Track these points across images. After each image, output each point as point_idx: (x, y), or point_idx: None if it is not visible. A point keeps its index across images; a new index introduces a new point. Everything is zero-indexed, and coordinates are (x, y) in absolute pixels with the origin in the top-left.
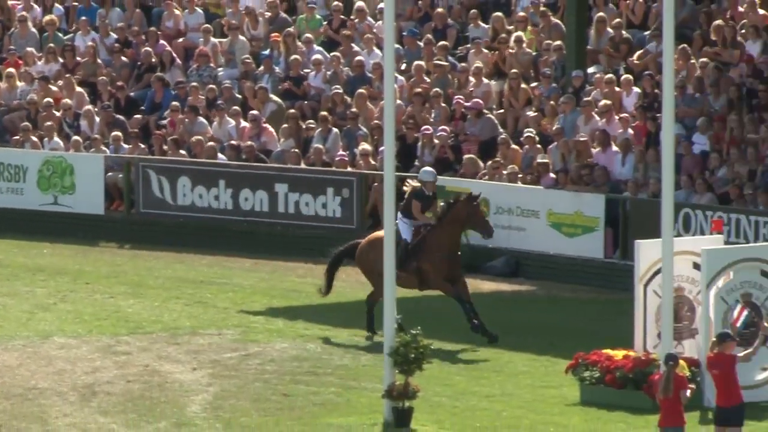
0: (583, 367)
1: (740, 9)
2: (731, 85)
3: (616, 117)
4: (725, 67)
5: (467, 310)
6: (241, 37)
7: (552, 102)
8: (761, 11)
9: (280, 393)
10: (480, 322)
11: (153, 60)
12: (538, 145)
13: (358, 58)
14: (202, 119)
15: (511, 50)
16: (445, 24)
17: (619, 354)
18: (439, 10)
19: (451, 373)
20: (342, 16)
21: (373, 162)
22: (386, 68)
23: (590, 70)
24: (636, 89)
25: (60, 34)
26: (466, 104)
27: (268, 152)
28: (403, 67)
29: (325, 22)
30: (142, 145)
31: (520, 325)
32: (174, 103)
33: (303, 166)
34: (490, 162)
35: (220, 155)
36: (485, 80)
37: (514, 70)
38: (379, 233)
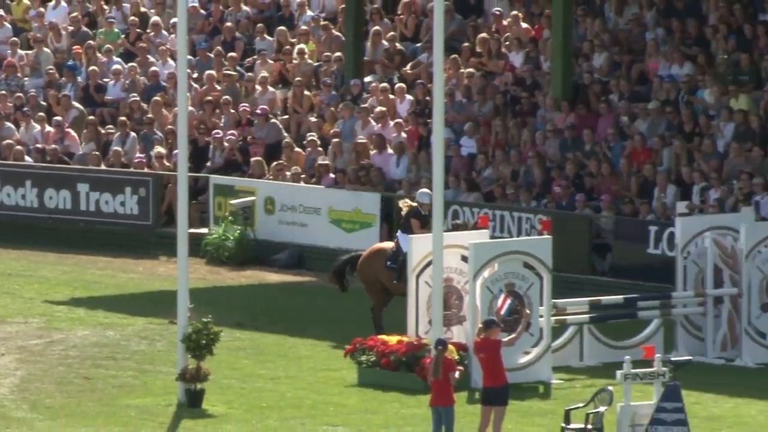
0: (361, 352)
1: (504, 23)
2: (496, 93)
3: (391, 122)
4: (491, 76)
5: None
6: (46, 49)
7: (332, 108)
8: (524, 25)
9: (82, 376)
10: None
11: None
12: (320, 148)
13: (153, 68)
14: (9, 125)
15: (294, 61)
16: (234, 37)
17: (393, 339)
18: (228, 24)
19: (239, 357)
20: (138, 30)
21: (167, 164)
22: (179, 78)
23: (367, 79)
24: (409, 96)
25: None
26: (253, 110)
27: (71, 155)
28: (195, 76)
29: (123, 36)
30: None
31: (302, 313)
32: None
33: (103, 167)
34: (275, 163)
35: (27, 157)
36: (271, 88)
37: (297, 79)
38: (380, 245)
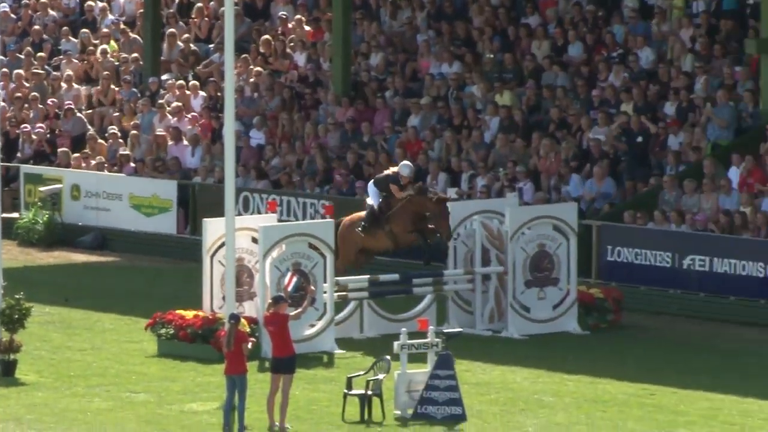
0: (160, 325)
1: (289, 26)
2: (282, 89)
3: (186, 116)
4: (277, 74)
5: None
6: None
7: (132, 104)
8: (307, 27)
9: None
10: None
11: None
12: (121, 140)
13: None
14: None
15: (97, 60)
16: (41, 39)
17: (190, 314)
18: (36, 27)
19: (49, 331)
20: None
21: None
22: None
23: (164, 77)
24: (202, 93)
25: None
26: (60, 105)
27: None
28: (4, 73)
29: None
30: None
31: (107, 291)
32: None
33: None
34: (80, 154)
35: None
36: (76, 85)
37: (105, 73)
38: (359, 213)
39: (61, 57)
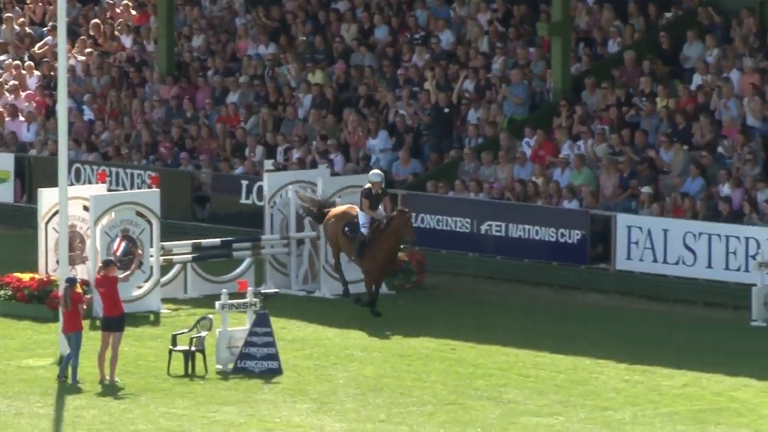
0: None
1: (117, 10)
2: (111, 69)
3: (22, 94)
4: (106, 55)
5: (348, 291)
6: None
7: None
8: (133, 12)
9: None
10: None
11: None
12: None
13: None
14: None
15: None
16: None
17: (26, 276)
18: None
19: None
20: None
21: None
22: None
23: (1, 57)
24: (37, 72)
25: None
26: None
27: None
28: None
29: None
30: None
31: None
32: None
33: None
34: None
35: None
36: None
37: None
38: (347, 208)
39: None
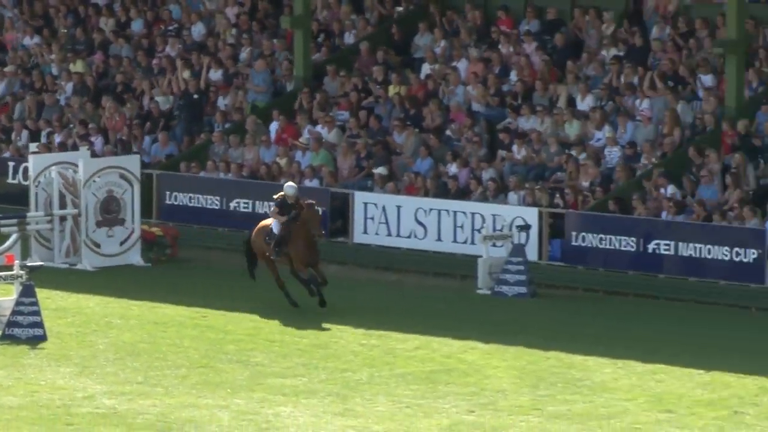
0: None
1: None
2: None
3: None
4: None
5: (312, 288)
6: None
7: None
8: None
9: None
10: (321, 296)
11: None
12: None
13: None
14: None
15: None
16: None
17: None
18: None
19: None
20: None
21: None
22: None
23: None
24: None
25: None
26: None
27: None
28: None
29: None
30: None
31: None
32: None
33: None
34: None
35: None
36: None
37: None
38: (263, 223)
39: None
